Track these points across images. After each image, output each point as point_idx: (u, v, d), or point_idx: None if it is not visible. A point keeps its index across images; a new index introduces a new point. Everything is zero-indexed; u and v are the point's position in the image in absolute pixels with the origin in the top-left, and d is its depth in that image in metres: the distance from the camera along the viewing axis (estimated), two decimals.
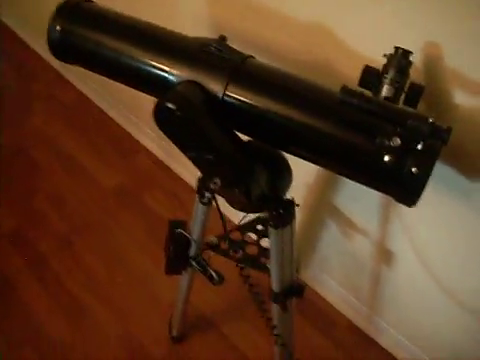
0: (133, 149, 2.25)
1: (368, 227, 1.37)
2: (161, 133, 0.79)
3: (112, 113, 2.35)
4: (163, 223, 1.21)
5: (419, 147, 0.68)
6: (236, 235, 1.17)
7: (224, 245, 1.15)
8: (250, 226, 1.16)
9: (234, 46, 0.85)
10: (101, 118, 2.38)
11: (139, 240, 1.94)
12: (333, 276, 1.68)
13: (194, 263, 1.10)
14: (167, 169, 2.16)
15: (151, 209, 2.04)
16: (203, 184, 1.01)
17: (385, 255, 1.37)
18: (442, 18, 0.85)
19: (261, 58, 0.86)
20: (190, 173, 1.97)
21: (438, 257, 1.22)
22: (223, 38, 0.85)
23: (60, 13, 0.90)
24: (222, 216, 0.87)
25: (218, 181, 0.82)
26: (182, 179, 2.10)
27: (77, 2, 0.92)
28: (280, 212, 0.91)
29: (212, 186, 0.82)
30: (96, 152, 2.25)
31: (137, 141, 2.26)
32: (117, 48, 0.85)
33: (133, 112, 2.21)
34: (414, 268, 1.28)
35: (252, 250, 1.16)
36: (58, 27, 0.90)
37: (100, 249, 1.93)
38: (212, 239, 1.16)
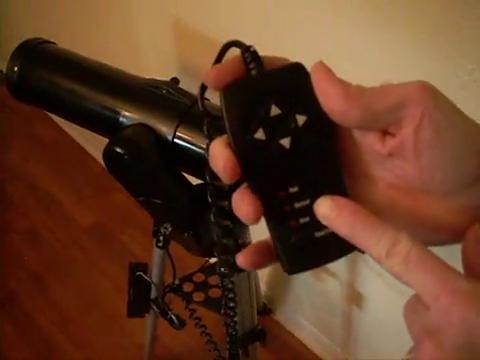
0: (110, 187, 2.22)
1: (338, 269, 1.35)
2: None
3: (91, 150, 2.34)
4: None
5: None
6: (199, 277, 1.14)
7: (187, 288, 1.12)
8: (213, 268, 1.13)
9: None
10: (80, 155, 2.36)
11: (114, 279, 1.90)
12: (307, 317, 1.64)
13: (154, 306, 1.07)
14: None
15: (127, 248, 2.01)
16: (156, 228, 0.99)
17: (355, 297, 1.34)
18: None
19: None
20: None
21: (405, 300, 1.19)
22: (175, 81, 0.84)
23: (17, 54, 0.90)
24: (173, 261, 0.85)
25: (168, 226, 0.80)
26: None
27: (35, 43, 0.91)
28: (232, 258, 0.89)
29: (163, 231, 0.81)
30: (73, 189, 2.22)
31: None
32: (70, 89, 0.85)
33: None
34: (383, 310, 1.26)
35: (215, 293, 1.13)
36: (16, 68, 0.89)
37: (74, 288, 1.89)
38: (176, 282, 1.13)
